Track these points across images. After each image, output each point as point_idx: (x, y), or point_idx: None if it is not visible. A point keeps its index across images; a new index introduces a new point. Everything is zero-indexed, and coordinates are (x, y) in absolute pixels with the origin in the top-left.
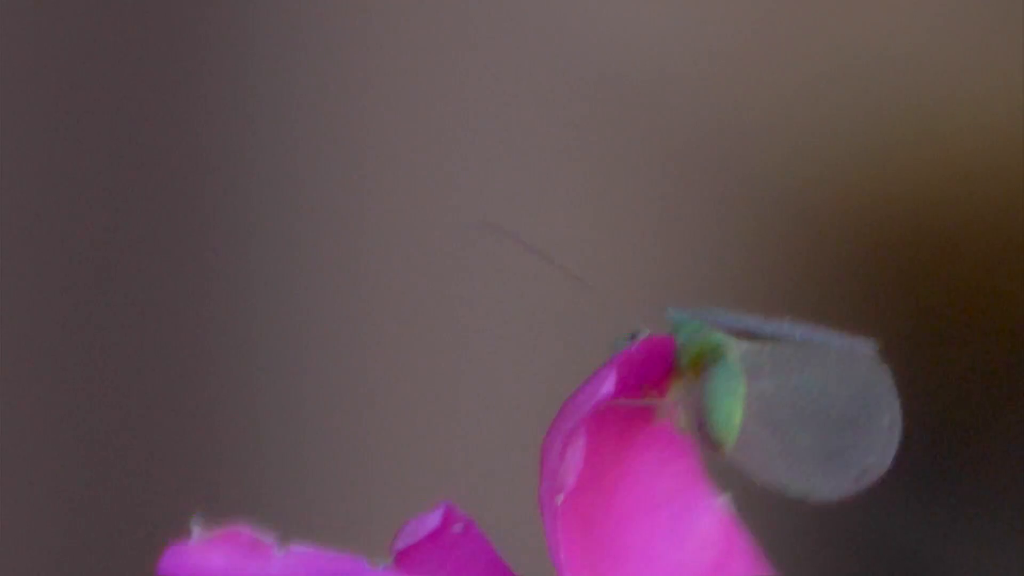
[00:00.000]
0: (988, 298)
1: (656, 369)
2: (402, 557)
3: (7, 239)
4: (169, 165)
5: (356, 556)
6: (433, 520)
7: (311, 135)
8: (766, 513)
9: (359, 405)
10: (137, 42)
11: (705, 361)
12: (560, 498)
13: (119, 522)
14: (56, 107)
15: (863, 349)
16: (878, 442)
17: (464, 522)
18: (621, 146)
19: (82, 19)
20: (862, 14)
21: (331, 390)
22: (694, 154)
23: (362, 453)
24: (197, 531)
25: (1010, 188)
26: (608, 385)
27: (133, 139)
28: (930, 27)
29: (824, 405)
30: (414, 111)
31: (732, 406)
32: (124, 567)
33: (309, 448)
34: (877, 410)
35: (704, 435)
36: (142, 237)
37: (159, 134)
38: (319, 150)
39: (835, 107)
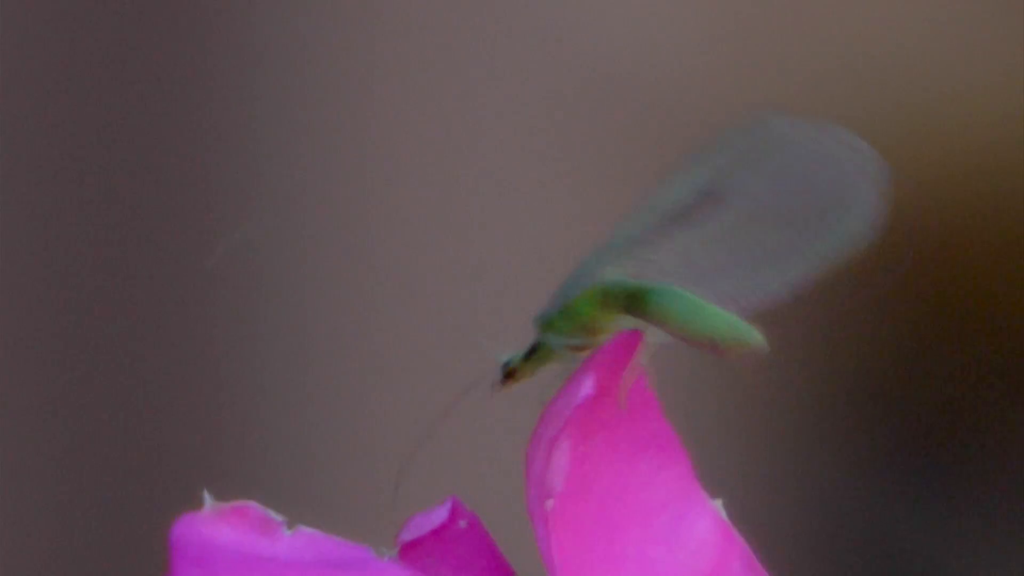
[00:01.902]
0: (988, 298)
1: (629, 356)
2: (407, 549)
3: (9, 236)
4: (170, 154)
5: (361, 545)
6: (440, 514)
7: (310, 131)
8: (763, 514)
9: (361, 402)
10: (140, 41)
11: (631, 307)
12: (550, 503)
13: (119, 515)
14: (59, 106)
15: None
16: (855, 195)
17: (469, 518)
18: (620, 145)
19: (85, 17)
20: (861, 13)
21: (333, 384)
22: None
23: (362, 449)
24: (208, 502)
25: (1010, 188)
26: (587, 386)
27: (136, 136)
28: (930, 26)
29: (774, 203)
30: (414, 110)
31: (713, 315)
32: (121, 560)
33: (311, 444)
34: (831, 171)
35: (732, 354)
36: (146, 229)
37: (162, 130)
38: (318, 146)
39: (833, 107)
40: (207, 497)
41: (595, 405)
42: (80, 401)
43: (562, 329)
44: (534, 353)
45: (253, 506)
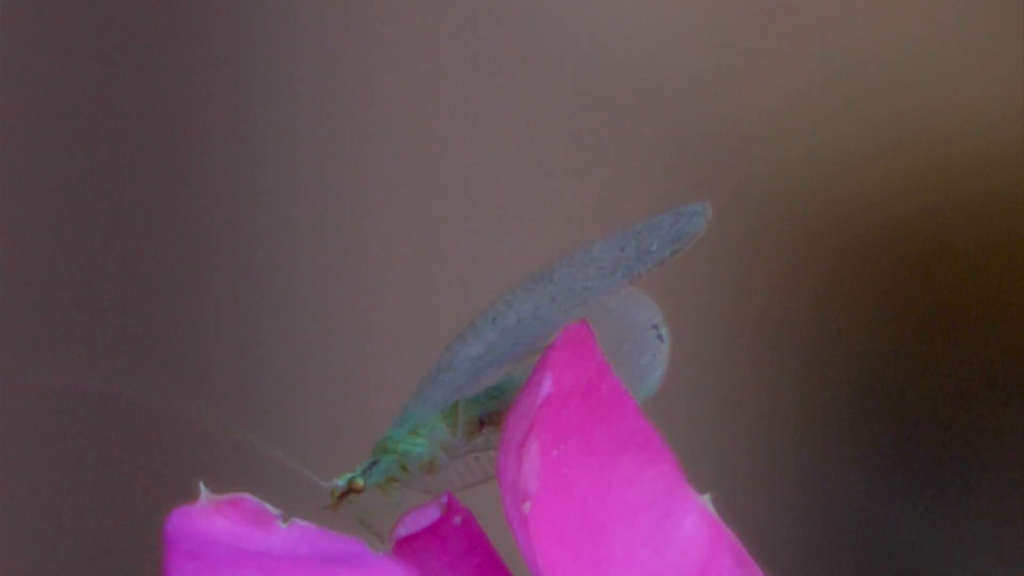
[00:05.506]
0: (988, 298)
1: (586, 355)
2: (402, 545)
3: (9, 232)
4: (170, 153)
5: (357, 540)
6: (435, 511)
7: (310, 132)
8: (762, 513)
9: (357, 399)
10: (140, 40)
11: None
12: (527, 506)
13: (114, 508)
14: (59, 106)
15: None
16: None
17: (463, 514)
18: (617, 148)
19: (84, 17)
20: (860, 15)
21: (329, 380)
22: (691, 157)
23: (358, 445)
24: (204, 493)
25: (1010, 188)
26: (546, 386)
27: (135, 135)
28: (929, 28)
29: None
30: (414, 111)
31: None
32: (116, 553)
33: (306, 439)
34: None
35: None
36: (144, 226)
37: (161, 128)
38: (318, 147)
39: (833, 108)
40: (203, 489)
41: (559, 404)
42: (75, 395)
43: (421, 453)
44: (376, 471)
45: (248, 498)
